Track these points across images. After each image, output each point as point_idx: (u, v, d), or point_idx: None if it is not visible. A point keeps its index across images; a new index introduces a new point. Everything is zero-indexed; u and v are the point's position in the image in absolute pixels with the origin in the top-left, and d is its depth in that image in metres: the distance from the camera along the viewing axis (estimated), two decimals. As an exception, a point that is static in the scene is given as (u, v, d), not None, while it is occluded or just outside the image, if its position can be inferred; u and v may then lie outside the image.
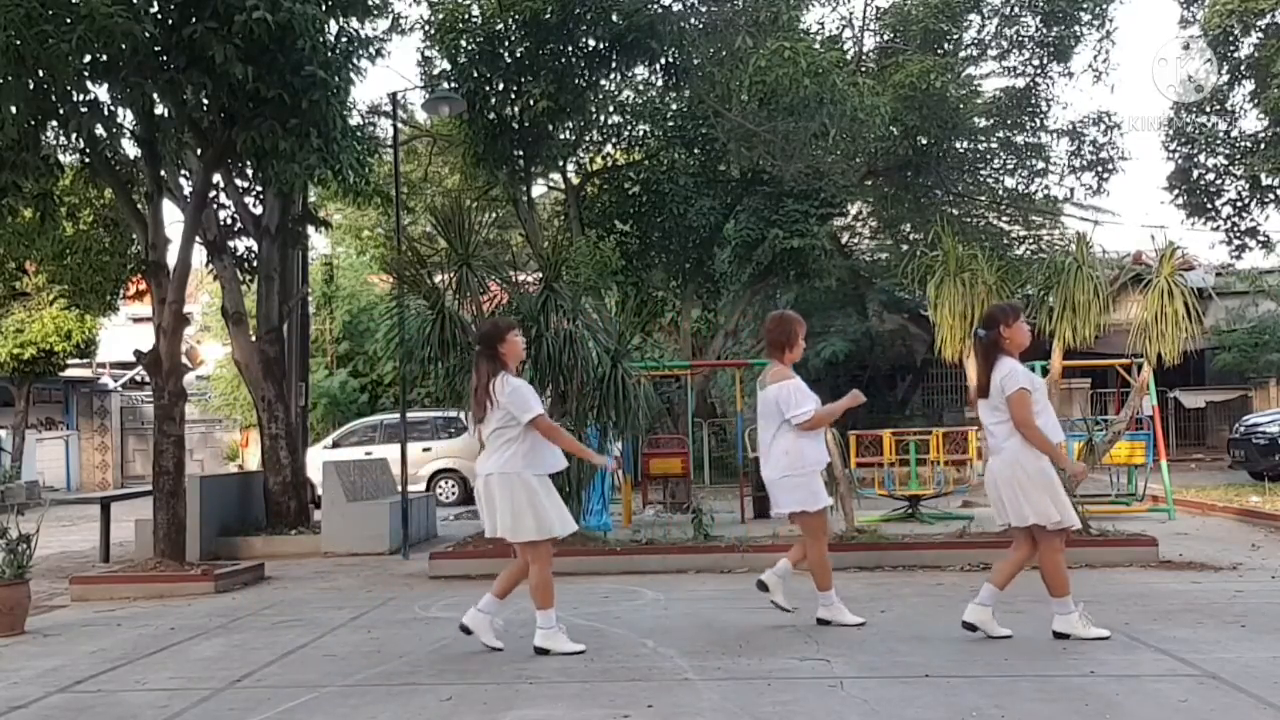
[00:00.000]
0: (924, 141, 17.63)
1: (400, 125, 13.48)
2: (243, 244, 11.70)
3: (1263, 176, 17.29)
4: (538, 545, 5.30)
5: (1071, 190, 19.64)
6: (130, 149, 9.20)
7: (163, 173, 9.08)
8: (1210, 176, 18.23)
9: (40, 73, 7.47)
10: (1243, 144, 17.71)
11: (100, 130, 8.22)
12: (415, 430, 15.47)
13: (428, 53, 15.42)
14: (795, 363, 6.02)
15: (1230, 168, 17.92)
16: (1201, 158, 18.12)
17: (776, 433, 5.81)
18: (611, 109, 17.40)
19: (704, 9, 14.51)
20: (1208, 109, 17.81)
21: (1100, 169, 19.18)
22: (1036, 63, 18.67)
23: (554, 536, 5.33)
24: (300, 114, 7.91)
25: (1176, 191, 18.40)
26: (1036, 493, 5.20)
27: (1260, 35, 16.48)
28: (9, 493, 15.71)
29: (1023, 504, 5.23)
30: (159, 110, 8.63)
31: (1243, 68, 16.98)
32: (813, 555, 5.83)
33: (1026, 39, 18.43)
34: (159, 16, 7.72)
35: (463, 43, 14.15)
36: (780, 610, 5.93)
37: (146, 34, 7.40)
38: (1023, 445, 5.25)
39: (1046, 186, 19.79)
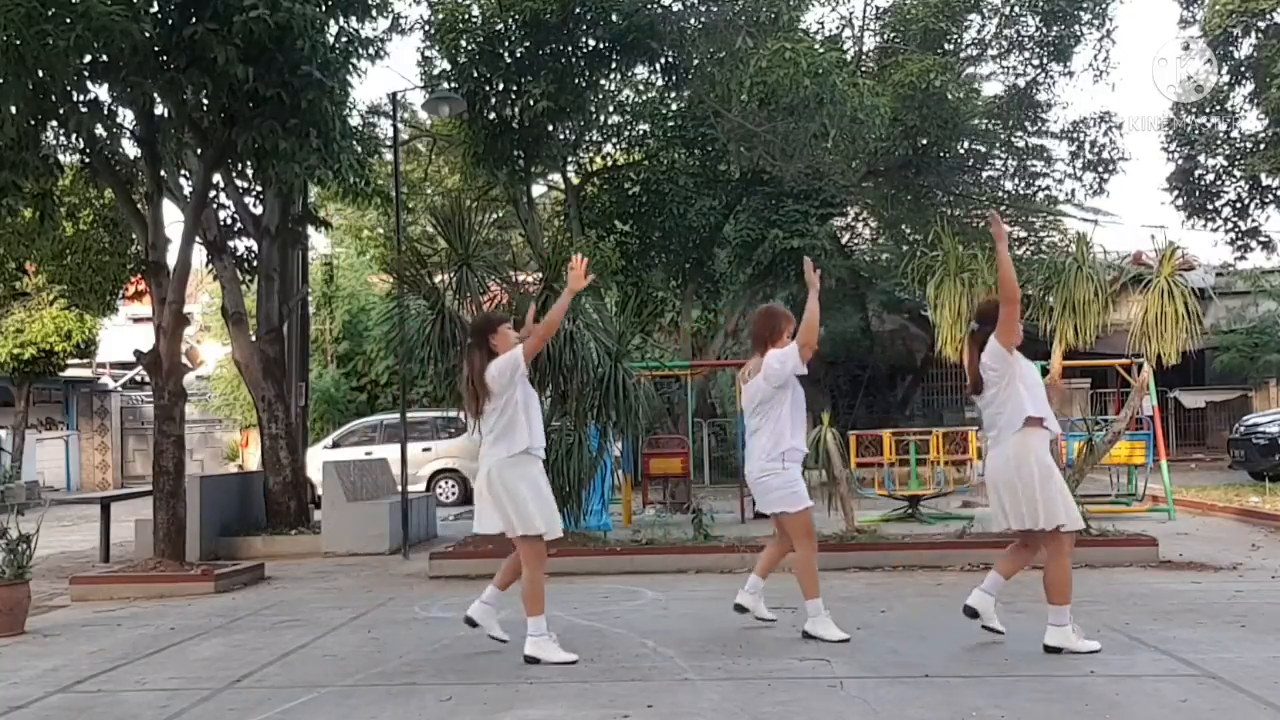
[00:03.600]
0: (924, 142, 17.62)
1: (400, 125, 13.49)
2: (243, 244, 11.70)
3: (1263, 176, 17.28)
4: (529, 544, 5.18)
5: (1072, 191, 19.66)
6: (130, 149, 9.21)
7: (163, 173, 9.08)
8: (1210, 177, 18.21)
9: (40, 72, 7.47)
10: (1243, 144, 17.69)
11: (100, 130, 8.22)
12: (415, 430, 15.46)
13: (428, 53, 15.42)
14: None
15: (1230, 168, 17.90)
16: (1202, 158, 18.11)
17: (762, 424, 5.50)
18: (611, 109, 17.40)
19: (704, 9, 14.50)
20: (1208, 109, 17.79)
21: (1101, 169, 19.17)
22: (1037, 63, 18.66)
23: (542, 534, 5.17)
24: (299, 114, 7.91)
25: (1177, 192, 18.39)
26: (1041, 491, 4.93)
27: (1260, 36, 16.47)
28: (9, 493, 15.69)
29: (1023, 505, 4.97)
30: (159, 110, 8.64)
31: (1243, 68, 16.96)
32: (800, 558, 5.53)
33: (1026, 38, 18.42)
34: (159, 16, 7.72)
35: (463, 43, 14.15)
36: (766, 622, 5.83)
37: (146, 34, 7.41)
38: (1025, 438, 4.97)
39: (1046, 187, 19.80)
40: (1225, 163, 17.96)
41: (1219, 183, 18.22)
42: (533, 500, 5.15)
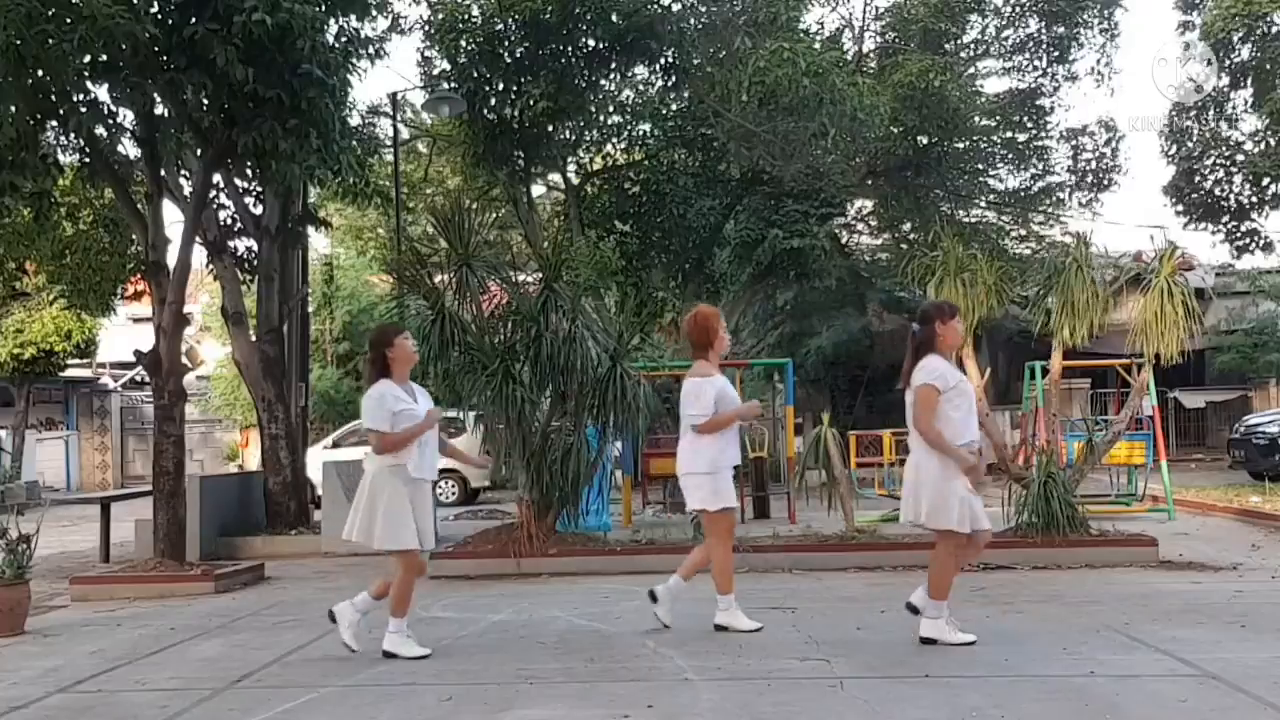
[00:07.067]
0: (924, 141, 17.62)
1: (400, 125, 13.50)
2: (243, 244, 11.70)
3: (1264, 178, 17.24)
4: (397, 555, 5.36)
5: (1071, 193, 19.67)
6: (130, 149, 9.21)
7: (163, 173, 9.08)
8: (1210, 182, 18.16)
9: (40, 73, 7.48)
10: (1244, 145, 17.66)
11: (100, 130, 8.23)
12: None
13: (428, 53, 15.41)
14: (721, 356, 5.99)
15: (1230, 175, 17.86)
16: (1203, 160, 18.06)
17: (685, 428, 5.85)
18: (611, 109, 17.38)
19: (704, 9, 14.50)
20: (1208, 112, 17.77)
21: (1100, 177, 19.19)
22: (1038, 64, 18.66)
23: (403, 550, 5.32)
24: (299, 114, 7.91)
25: (1176, 197, 18.35)
26: (928, 495, 5.22)
27: (1259, 39, 16.43)
28: (9, 493, 15.70)
29: (919, 502, 5.28)
30: (159, 110, 8.64)
31: (1242, 72, 16.92)
32: (715, 557, 5.83)
33: (1028, 39, 18.42)
34: (159, 17, 7.72)
35: (463, 43, 14.14)
36: (662, 625, 5.87)
37: (147, 34, 7.41)
38: (923, 445, 5.27)
39: (1046, 189, 19.81)
40: (1224, 172, 17.89)
41: (1219, 186, 18.18)
42: (382, 514, 5.28)
